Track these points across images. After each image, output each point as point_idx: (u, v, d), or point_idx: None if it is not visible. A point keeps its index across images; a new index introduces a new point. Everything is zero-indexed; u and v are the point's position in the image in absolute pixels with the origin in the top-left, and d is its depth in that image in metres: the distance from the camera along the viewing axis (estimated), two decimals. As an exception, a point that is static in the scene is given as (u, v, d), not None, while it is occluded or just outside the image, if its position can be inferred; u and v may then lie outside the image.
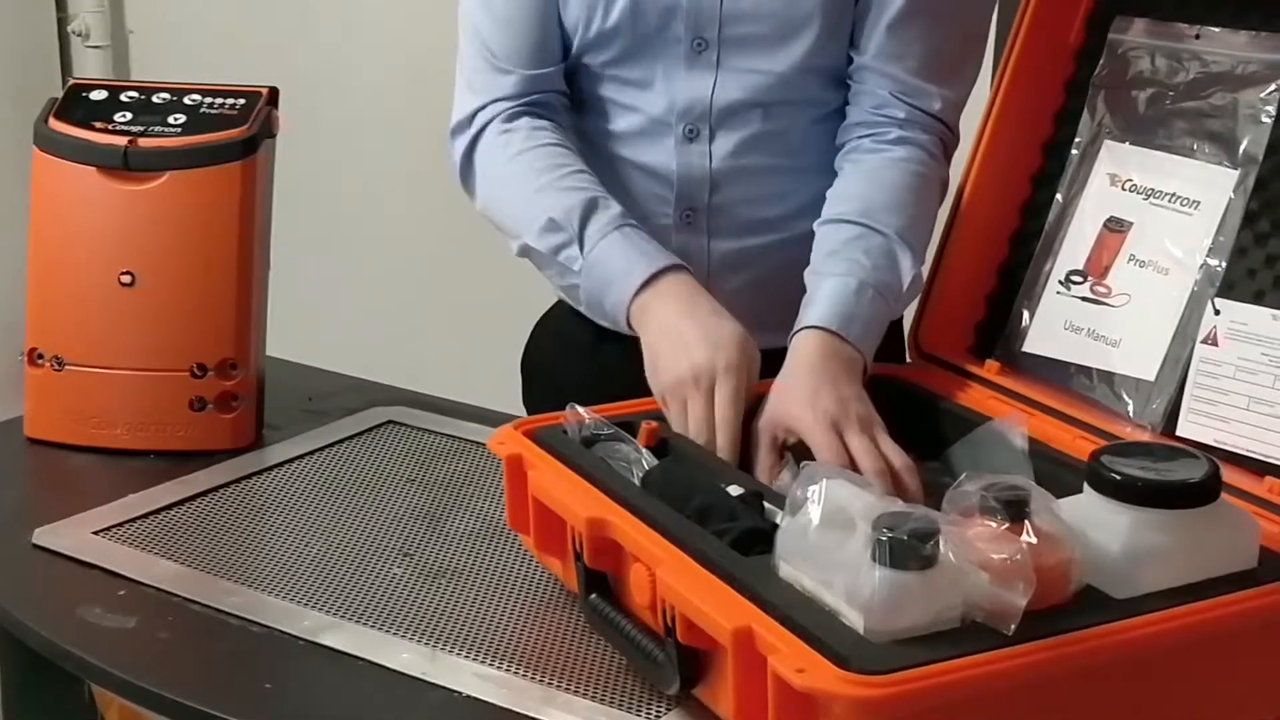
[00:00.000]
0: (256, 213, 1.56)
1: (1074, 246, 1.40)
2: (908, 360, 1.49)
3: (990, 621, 0.95)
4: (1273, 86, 1.28)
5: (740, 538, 1.08)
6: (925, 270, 1.45)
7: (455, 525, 1.40)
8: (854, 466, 1.22)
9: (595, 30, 1.50)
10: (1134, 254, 1.35)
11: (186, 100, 1.58)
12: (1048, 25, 1.44)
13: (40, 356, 1.57)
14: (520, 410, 1.68)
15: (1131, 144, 1.38)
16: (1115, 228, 1.38)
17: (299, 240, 2.11)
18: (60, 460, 1.56)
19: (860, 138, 1.50)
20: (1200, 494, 1.03)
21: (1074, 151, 1.43)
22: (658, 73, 1.51)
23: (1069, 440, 1.27)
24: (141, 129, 1.55)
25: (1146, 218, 1.35)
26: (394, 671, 1.15)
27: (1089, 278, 1.38)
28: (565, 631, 1.20)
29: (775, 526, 1.06)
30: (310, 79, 2.97)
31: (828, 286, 1.37)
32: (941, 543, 0.95)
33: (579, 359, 1.60)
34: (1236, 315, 1.24)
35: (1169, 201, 1.34)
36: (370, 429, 1.62)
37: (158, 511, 1.42)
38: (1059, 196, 1.43)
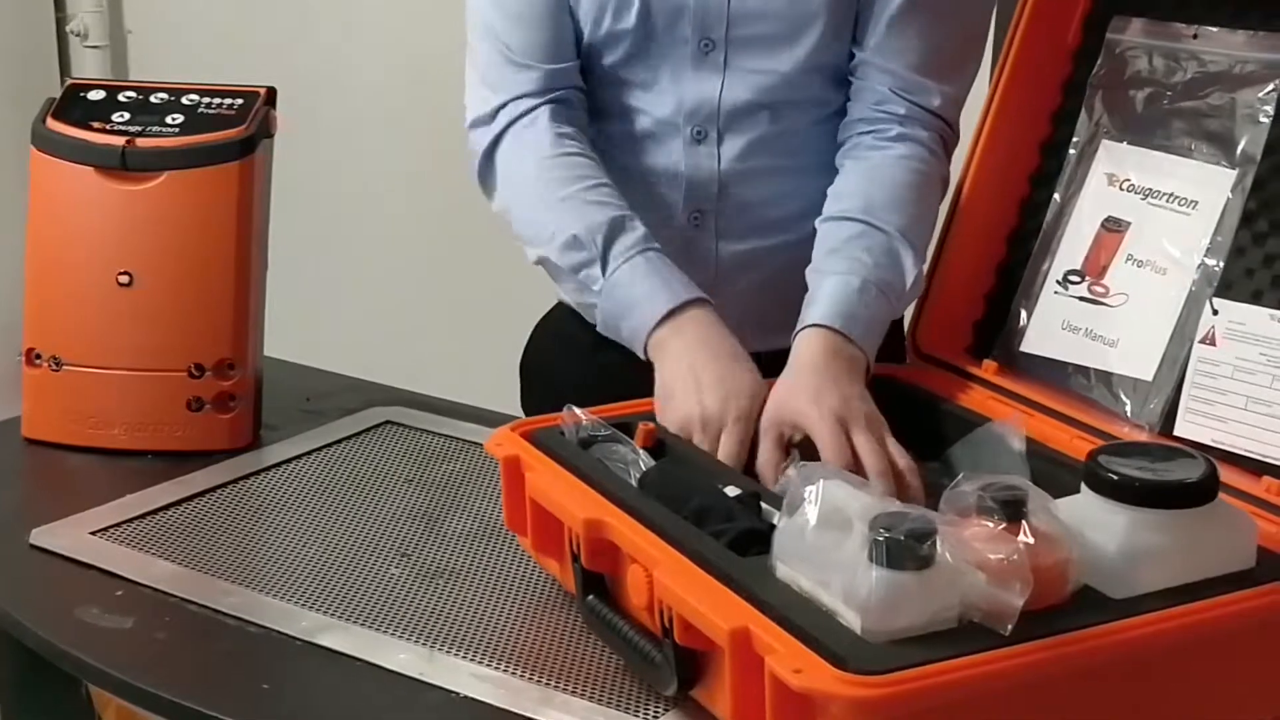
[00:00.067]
0: (254, 213, 1.56)
1: (1072, 246, 1.40)
2: (907, 360, 1.49)
3: (987, 622, 0.95)
4: (1270, 86, 1.28)
5: (737, 538, 1.08)
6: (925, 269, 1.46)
7: (453, 526, 1.40)
8: (858, 465, 1.22)
9: (605, 30, 1.49)
10: (1132, 254, 1.35)
11: (184, 100, 1.58)
12: (1045, 25, 1.44)
13: (38, 356, 1.57)
14: (518, 411, 1.68)
15: (1129, 144, 1.38)
16: (1113, 227, 1.37)
17: (298, 240, 2.11)
18: (58, 460, 1.56)
19: (861, 134, 1.50)
20: (1198, 494, 1.03)
21: (1072, 151, 1.43)
22: (664, 74, 1.50)
23: (1067, 440, 1.27)
24: (139, 129, 1.55)
25: (1144, 217, 1.35)
26: (391, 672, 1.15)
27: (1087, 277, 1.38)
28: (563, 632, 1.20)
29: (772, 527, 1.06)
30: (310, 79, 2.97)
31: (830, 285, 1.37)
32: (938, 543, 0.95)
33: (579, 361, 1.60)
34: (1234, 315, 1.24)
35: (1167, 201, 1.34)
36: (368, 429, 1.62)
37: (155, 512, 1.42)
38: (1057, 196, 1.43)
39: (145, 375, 1.54)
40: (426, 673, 1.14)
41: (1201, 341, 1.26)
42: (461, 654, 1.17)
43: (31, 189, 1.57)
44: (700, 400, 1.29)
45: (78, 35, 3.34)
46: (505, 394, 1.74)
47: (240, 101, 1.57)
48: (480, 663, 1.16)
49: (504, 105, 1.51)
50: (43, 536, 1.36)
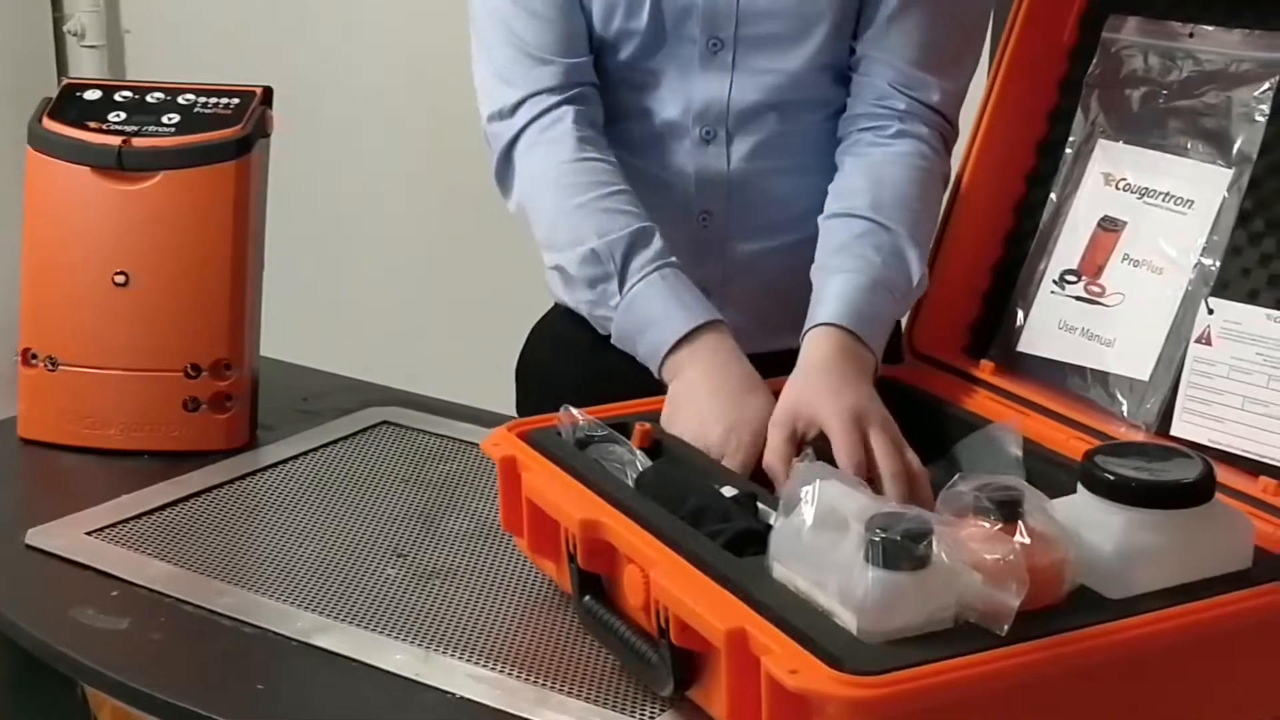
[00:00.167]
0: (251, 212, 1.55)
1: (1068, 246, 1.40)
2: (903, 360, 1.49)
3: (983, 622, 0.95)
4: (1266, 85, 1.27)
5: (734, 539, 1.08)
6: (924, 268, 1.45)
7: (449, 526, 1.40)
8: (870, 465, 1.22)
9: (616, 28, 1.49)
10: (1128, 253, 1.35)
11: (180, 100, 1.58)
12: (1041, 24, 1.44)
13: (34, 356, 1.57)
14: (515, 413, 1.68)
15: (1125, 143, 1.38)
16: (1109, 227, 1.37)
17: (295, 240, 2.11)
18: (54, 460, 1.56)
19: (862, 130, 1.50)
20: (1194, 494, 1.03)
21: (1068, 150, 1.43)
22: (672, 74, 1.50)
23: (1063, 440, 1.27)
24: (135, 129, 1.54)
25: (1140, 217, 1.35)
26: (387, 673, 1.15)
27: (1083, 277, 1.38)
28: (559, 633, 1.20)
29: (769, 527, 1.06)
30: (309, 79, 2.97)
31: (839, 283, 1.36)
32: (934, 543, 0.95)
33: (577, 363, 1.59)
34: (1230, 314, 1.24)
35: (1163, 201, 1.33)
36: (365, 429, 1.62)
37: (151, 512, 1.42)
38: (1053, 196, 1.43)
39: (141, 375, 1.54)
40: (422, 673, 1.14)
41: (1198, 341, 1.26)
42: (458, 655, 1.17)
43: (27, 189, 1.56)
44: (704, 431, 1.28)
45: (75, 35, 3.34)
46: (502, 394, 1.74)
47: (236, 101, 1.57)
48: (476, 663, 1.15)
49: (524, 101, 1.50)
50: (38, 537, 1.36)
